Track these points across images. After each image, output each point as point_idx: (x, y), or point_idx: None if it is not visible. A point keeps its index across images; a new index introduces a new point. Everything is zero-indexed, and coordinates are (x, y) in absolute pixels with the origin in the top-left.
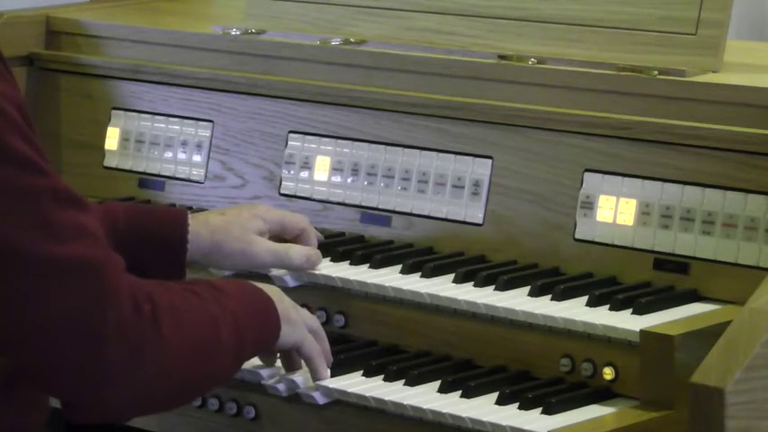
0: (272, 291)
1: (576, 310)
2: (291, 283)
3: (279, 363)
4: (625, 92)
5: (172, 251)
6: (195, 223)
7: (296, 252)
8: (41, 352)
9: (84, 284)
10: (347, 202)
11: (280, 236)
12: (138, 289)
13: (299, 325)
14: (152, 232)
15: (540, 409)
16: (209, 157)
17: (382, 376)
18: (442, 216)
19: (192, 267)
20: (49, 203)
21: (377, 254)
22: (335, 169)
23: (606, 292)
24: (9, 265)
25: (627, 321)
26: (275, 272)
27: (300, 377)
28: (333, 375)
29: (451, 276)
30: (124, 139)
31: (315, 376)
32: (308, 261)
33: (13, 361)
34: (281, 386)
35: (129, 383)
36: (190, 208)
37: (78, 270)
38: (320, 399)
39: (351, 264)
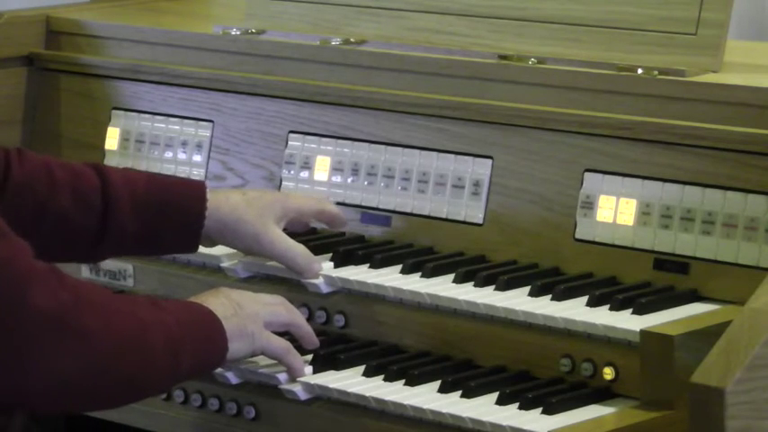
0: (226, 305)
1: (576, 310)
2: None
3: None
4: (625, 92)
5: (188, 222)
6: (215, 198)
7: (303, 258)
8: None
9: None
10: (347, 201)
11: (298, 220)
12: (56, 277)
13: (256, 336)
14: (170, 202)
15: (540, 409)
16: (209, 157)
17: (382, 376)
18: (442, 216)
19: (207, 242)
20: None
21: (377, 254)
22: (335, 169)
23: (606, 292)
24: None
25: (627, 321)
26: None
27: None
28: (335, 372)
29: (451, 276)
30: (124, 139)
31: (291, 375)
32: (309, 268)
33: None
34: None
35: (49, 372)
36: None
37: None
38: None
39: (351, 264)
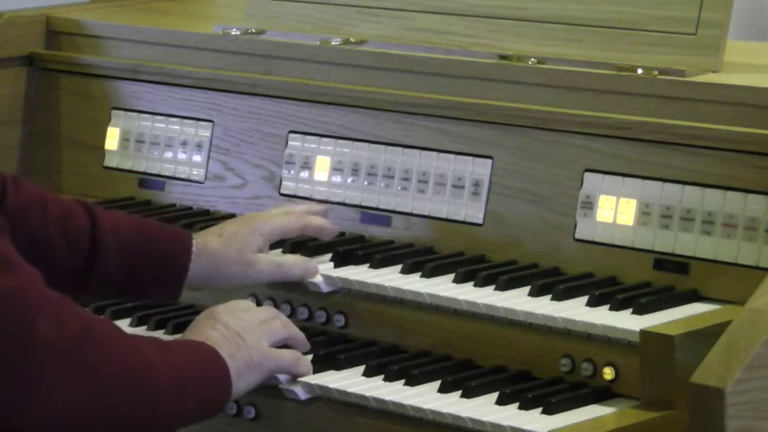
0: (229, 340)
1: (576, 310)
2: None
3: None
4: (625, 92)
5: (172, 274)
6: (196, 248)
7: (294, 265)
8: None
9: (5, 312)
10: (347, 202)
11: (283, 239)
12: (66, 307)
13: (263, 364)
14: (155, 252)
15: (540, 409)
16: (209, 157)
17: (382, 376)
18: (442, 216)
19: (189, 287)
20: None
21: (377, 254)
22: (335, 169)
23: (606, 292)
24: None
25: (627, 321)
26: None
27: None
28: (335, 372)
29: (451, 276)
30: (124, 139)
31: (297, 376)
32: (306, 273)
33: None
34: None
35: (49, 404)
36: (189, 208)
37: None
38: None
39: (351, 264)
